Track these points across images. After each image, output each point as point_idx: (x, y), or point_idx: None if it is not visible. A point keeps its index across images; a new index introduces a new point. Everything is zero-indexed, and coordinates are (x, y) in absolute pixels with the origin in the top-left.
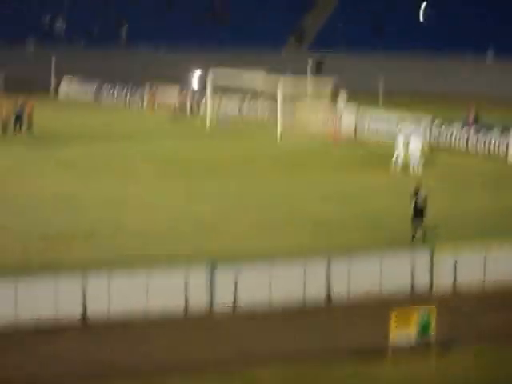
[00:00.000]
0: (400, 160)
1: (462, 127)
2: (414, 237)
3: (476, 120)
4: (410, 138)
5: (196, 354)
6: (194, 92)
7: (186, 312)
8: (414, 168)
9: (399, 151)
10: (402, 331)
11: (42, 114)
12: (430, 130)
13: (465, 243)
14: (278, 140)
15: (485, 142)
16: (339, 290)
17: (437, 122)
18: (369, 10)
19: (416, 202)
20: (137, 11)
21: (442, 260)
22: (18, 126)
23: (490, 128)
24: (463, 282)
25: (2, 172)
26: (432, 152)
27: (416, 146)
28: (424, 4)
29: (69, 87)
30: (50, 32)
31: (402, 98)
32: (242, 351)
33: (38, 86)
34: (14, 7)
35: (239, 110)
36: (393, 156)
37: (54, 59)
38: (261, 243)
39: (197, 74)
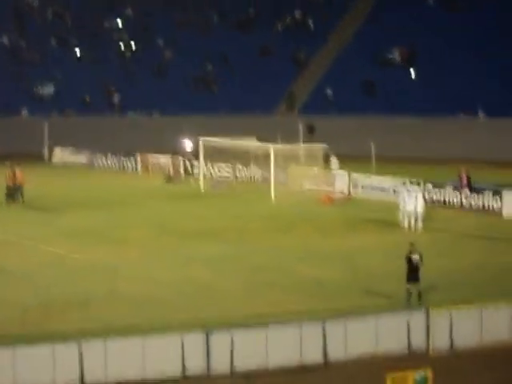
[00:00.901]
0: (404, 220)
1: (455, 190)
2: (409, 298)
3: (469, 182)
4: (409, 198)
5: None
6: (186, 156)
7: (183, 377)
8: (415, 227)
9: (402, 211)
10: None
11: (36, 181)
12: (423, 193)
13: (461, 302)
14: (272, 203)
15: (477, 203)
16: (335, 352)
17: (429, 184)
18: (359, 73)
19: (410, 263)
20: (129, 78)
21: (438, 320)
22: (12, 195)
23: (482, 190)
24: (459, 342)
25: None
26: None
27: (417, 205)
28: (412, 68)
29: (62, 156)
30: (42, 100)
31: (393, 161)
32: None
33: (32, 153)
34: (7, 78)
35: (232, 174)
36: (384, 217)
37: (46, 127)
38: (256, 306)
39: (189, 139)
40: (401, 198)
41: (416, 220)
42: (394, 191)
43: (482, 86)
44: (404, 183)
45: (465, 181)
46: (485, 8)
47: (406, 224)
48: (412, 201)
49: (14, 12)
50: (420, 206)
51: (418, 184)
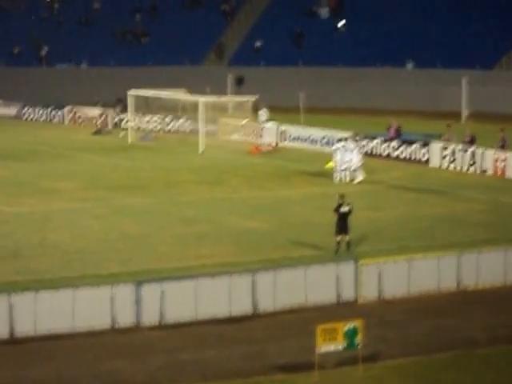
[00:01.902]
0: (338, 173)
1: (384, 141)
2: (338, 249)
3: (398, 133)
4: (346, 154)
5: (123, 369)
6: (115, 108)
7: (114, 329)
8: (354, 180)
9: (337, 165)
10: (329, 345)
11: None
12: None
13: (389, 253)
14: (200, 155)
15: (406, 154)
16: (265, 303)
17: (359, 137)
18: (287, 25)
19: (340, 214)
20: (56, 30)
21: (367, 271)
22: None
23: (410, 142)
24: (388, 292)
25: None
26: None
27: (355, 159)
28: (343, 21)
29: None
30: None
31: (322, 112)
32: (169, 366)
33: None
34: None
35: (161, 126)
36: (313, 169)
37: None
38: (186, 258)
39: (118, 91)
40: (337, 154)
41: (354, 175)
42: (323, 143)
43: (410, 36)
44: (340, 139)
45: (393, 132)
46: None
47: (343, 178)
48: (348, 156)
49: None
50: (357, 162)
51: (356, 140)
